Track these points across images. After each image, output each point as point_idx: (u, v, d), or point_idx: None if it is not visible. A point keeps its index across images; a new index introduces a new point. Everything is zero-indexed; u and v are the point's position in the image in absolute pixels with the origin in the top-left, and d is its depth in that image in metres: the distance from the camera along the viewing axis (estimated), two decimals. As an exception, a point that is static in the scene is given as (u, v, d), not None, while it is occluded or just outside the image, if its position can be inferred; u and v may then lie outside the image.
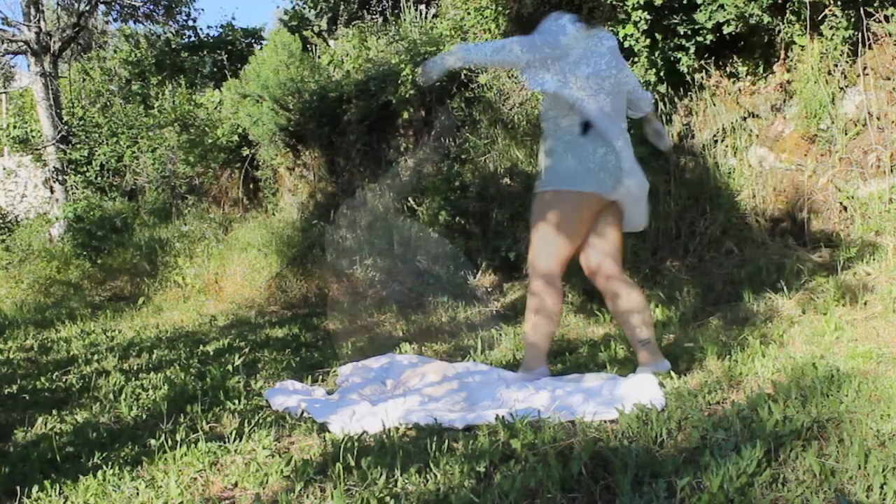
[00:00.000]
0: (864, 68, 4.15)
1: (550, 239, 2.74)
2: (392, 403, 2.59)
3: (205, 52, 10.13)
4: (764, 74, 4.57)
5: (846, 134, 4.14)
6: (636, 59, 4.65)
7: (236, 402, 2.83)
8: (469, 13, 5.29)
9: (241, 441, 2.31)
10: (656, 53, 4.53)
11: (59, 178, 8.48)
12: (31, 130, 9.21)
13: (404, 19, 6.85)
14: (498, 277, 5.00)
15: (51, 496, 2.00)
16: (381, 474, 1.90)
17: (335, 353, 3.76)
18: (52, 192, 8.61)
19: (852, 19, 4.12)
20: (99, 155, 8.38)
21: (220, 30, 10.55)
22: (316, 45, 7.56)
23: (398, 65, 5.90)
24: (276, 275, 5.75)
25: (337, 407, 2.64)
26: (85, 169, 8.46)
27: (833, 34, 4.16)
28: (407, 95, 5.79)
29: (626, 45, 4.56)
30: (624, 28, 4.48)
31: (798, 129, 4.35)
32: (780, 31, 4.37)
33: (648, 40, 4.43)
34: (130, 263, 6.84)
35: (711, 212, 4.39)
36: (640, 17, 4.36)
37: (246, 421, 2.53)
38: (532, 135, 5.30)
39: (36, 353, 4.19)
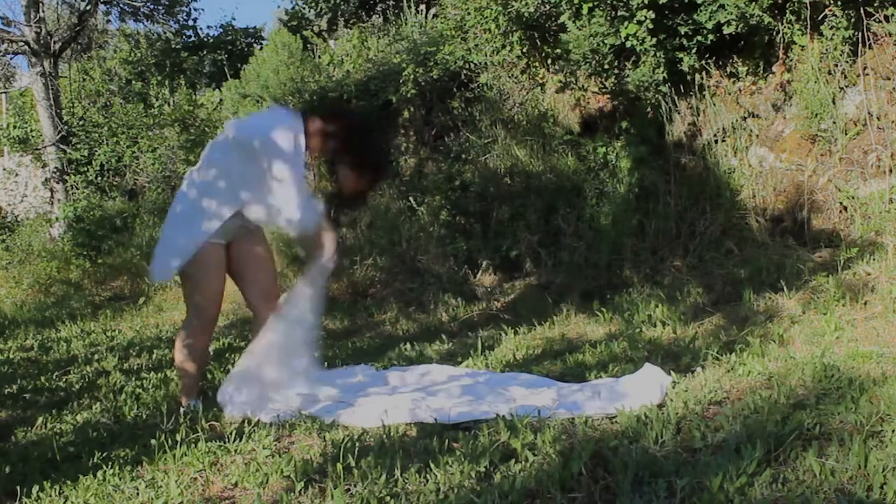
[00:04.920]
0: (864, 68, 4.15)
1: None
2: (394, 400, 2.59)
3: (205, 52, 10.12)
4: (764, 74, 4.57)
5: (846, 134, 4.14)
6: (643, 60, 4.64)
7: (236, 401, 2.82)
8: (469, 13, 5.29)
9: (241, 441, 2.31)
10: (659, 53, 4.53)
11: (60, 178, 8.48)
12: (31, 130, 9.21)
13: (404, 19, 6.85)
14: (498, 277, 5.00)
15: (51, 496, 2.00)
16: (381, 474, 1.89)
17: (336, 353, 3.75)
18: (52, 192, 8.60)
19: (852, 19, 4.12)
20: (99, 155, 8.37)
21: (220, 30, 10.55)
22: (316, 45, 7.56)
23: (399, 64, 5.90)
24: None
25: (338, 407, 2.64)
26: (85, 169, 8.45)
27: (833, 34, 4.16)
28: (408, 95, 5.79)
29: (629, 44, 4.56)
30: (626, 28, 4.48)
31: (798, 129, 4.35)
32: (780, 31, 4.37)
33: (654, 40, 4.43)
34: (131, 263, 6.83)
35: (711, 212, 4.39)
36: (645, 17, 4.36)
37: (246, 421, 2.53)
38: (533, 134, 5.30)
39: (36, 352, 4.19)
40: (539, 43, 5.12)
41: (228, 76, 7.90)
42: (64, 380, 3.45)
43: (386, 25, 7.29)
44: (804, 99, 4.28)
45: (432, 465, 1.93)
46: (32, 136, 9.05)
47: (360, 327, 4.52)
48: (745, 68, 4.59)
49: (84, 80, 9.71)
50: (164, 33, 10.27)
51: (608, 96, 5.06)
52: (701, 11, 4.37)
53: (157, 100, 8.61)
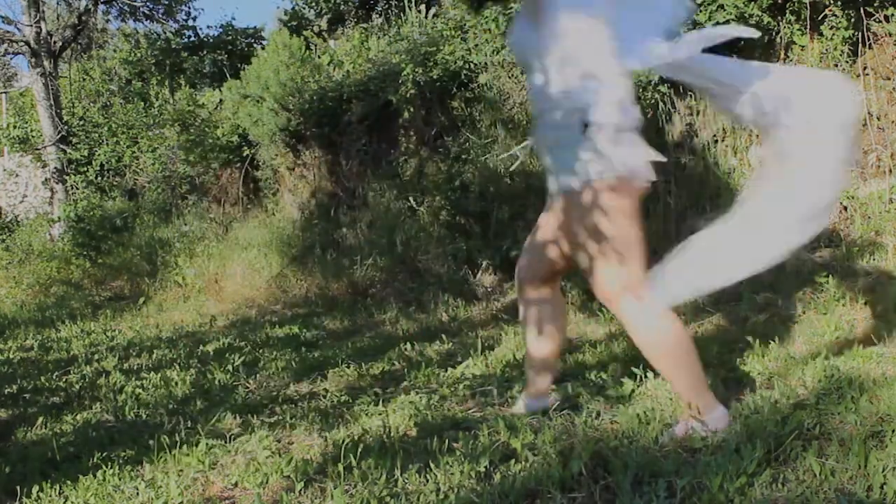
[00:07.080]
0: (864, 68, 4.15)
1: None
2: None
3: (205, 52, 10.13)
4: (764, 74, 4.56)
5: (846, 134, 4.14)
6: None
7: (236, 402, 2.83)
8: (469, 13, 5.30)
9: (241, 441, 2.31)
10: (656, 53, 4.53)
11: (60, 178, 8.49)
12: (31, 130, 9.23)
13: (405, 20, 6.86)
14: (499, 277, 5.00)
15: (51, 496, 2.01)
16: (381, 474, 1.89)
17: (335, 353, 3.75)
18: (52, 192, 8.61)
19: (852, 19, 4.12)
20: (99, 155, 8.38)
21: (220, 30, 10.55)
22: (316, 46, 7.57)
23: (399, 64, 5.90)
24: (276, 274, 5.75)
25: None
26: (85, 169, 8.47)
27: (833, 34, 4.16)
28: (408, 95, 5.79)
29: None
30: (625, 28, 4.48)
31: (798, 129, 4.34)
32: (779, 31, 4.37)
33: None
34: (131, 263, 6.84)
35: (711, 212, 4.38)
36: (642, 18, 4.36)
37: (246, 421, 2.53)
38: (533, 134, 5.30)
39: (36, 352, 4.19)
40: (539, 43, 5.12)
41: (228, 76, 7.91)
42: (64, 380, 3.45)
43: (386, 25, 7.29)
44: (804, 99, 4.28)
45: (432, 465, 1.93)
46: (32, 136, 9.07)
47: (360, 327, 4.52)
48: (745, 68, 4.58)
49: (84, 79, 9.73)
50: (164, 33, 10.28)
51: (608, 96, 5.06)
52: (700, 11, 4.37)
53: (157, 100, 8.61)
